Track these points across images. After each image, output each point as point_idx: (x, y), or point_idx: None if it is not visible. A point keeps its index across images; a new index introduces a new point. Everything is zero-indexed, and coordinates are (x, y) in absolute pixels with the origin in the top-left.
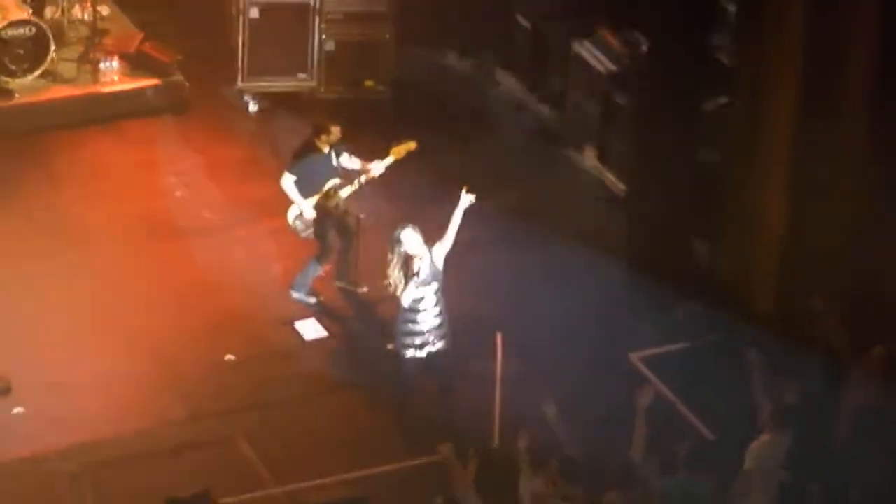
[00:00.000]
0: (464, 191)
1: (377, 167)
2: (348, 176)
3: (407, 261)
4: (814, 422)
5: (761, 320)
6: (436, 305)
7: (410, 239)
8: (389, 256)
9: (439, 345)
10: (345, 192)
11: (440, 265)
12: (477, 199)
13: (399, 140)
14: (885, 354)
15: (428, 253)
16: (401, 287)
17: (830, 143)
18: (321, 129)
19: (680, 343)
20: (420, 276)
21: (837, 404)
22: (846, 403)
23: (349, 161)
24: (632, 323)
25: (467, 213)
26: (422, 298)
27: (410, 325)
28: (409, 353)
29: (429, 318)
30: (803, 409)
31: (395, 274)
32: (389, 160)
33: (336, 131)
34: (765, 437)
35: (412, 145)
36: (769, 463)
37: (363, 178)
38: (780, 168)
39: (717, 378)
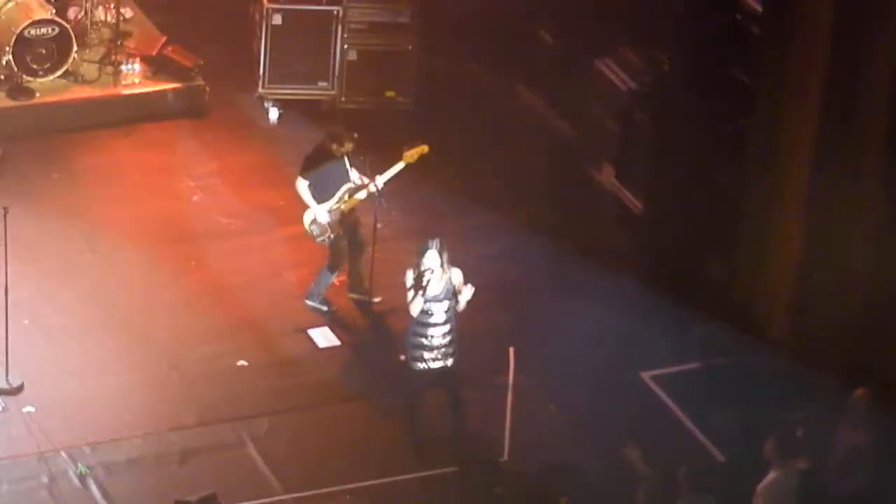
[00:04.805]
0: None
1: (389, 172)
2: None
3: (421, 274)
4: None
5: (776, 343)
6: (446, 322)
7: (431, 256)
8: (412, 266)
9: (448, 362)
10: (360, 196)
11: (458, 285)
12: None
13: (411, 144)
14: (867, 394)
15: (445, 271)
16: (411, 297)
17: (850, 165)
18: (336, 139)
19: (693, 363)
20: (430, 291)
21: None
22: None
23: (358, 176)
24: (645, 341)
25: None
26: (431, 313)
27: (420, 339)
28: (418, 365)
29: (438, 333)
30: (810, 442)
31: (409, 283)
32: (401, 165)
33: (350, 146)
34: (772, 476)
35: (424, 149)
36: (778, 499)
37: (378, 183)
38: (798, 190)
39: (729, 399)
